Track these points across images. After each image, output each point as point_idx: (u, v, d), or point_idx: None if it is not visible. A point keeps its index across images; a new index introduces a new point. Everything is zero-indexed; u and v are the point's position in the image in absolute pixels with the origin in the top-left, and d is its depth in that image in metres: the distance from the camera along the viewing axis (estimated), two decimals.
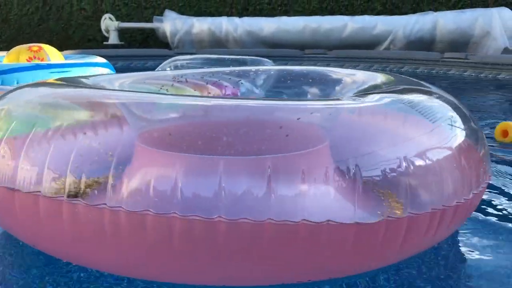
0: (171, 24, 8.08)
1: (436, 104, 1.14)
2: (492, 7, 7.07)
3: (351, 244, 0.89)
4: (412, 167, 0.92)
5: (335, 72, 1.63)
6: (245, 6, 9.03)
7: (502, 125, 2.41)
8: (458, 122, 1.11)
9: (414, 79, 1.45)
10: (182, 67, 1.90)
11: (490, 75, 5.72)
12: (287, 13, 8.54)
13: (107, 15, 8.59)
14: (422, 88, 1.27)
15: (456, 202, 0.98)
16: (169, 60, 2.06)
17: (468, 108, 1.27)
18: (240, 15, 8.58)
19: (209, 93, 1.58)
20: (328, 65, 6.95)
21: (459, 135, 1.07)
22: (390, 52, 7.07)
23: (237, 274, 0.92)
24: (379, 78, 1.44)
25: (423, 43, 6.95)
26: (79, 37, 9.52)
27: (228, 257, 0.87)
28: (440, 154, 0.99)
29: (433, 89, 1.30)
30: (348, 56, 7.01)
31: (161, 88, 1.43)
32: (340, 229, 0.86)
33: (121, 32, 8.79)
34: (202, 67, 2.03)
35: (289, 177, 0.85)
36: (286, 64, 5.21)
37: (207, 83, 1.58)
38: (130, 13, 9.39)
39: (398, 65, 6.65)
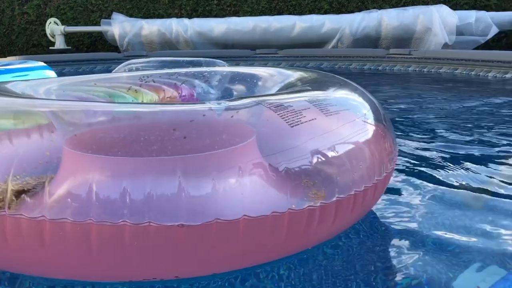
0: (119, 27, 7.96)
1: (329, 103, 1.19)
2: (431, 4, 7.41)
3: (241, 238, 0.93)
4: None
5: (262, 71, 1.69)
6: (195, 8, 9.01)
7: None
8: (362, 119, 1.19)
9: (342, 78, 1.52)
10: (138, 70, 1.91)
11: (432, 70, 6.02)
12: (236, 13, 8.61)
13: (52, 19, 8.34)
14: (333, 87, 1.34)
15: (365, 187, 1.08)
16: (124, 64, 2.07)
17: (381, 104, 1.38)
18: (190, 16, 8.56)
19: (166, 95, 1.61)
20: (279, 64, 7.07)
21: (365, 131, 1.16)
22: (338, 50, 7.27)
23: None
24: (296, 76, 1.51)
25: (369, 40, 7.20)
26: (23, 42, 9.19)
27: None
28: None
29: (349, 86, 1.37)
30: (298, 54, 7.15)
31: (129, 89, 1.46)
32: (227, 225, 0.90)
33: (68, 37, 8.57)
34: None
35: (141, 179, 0.88)
36: (237, 65, 5.27)
37: (181, 83, 1.62)
38: (76, 16, 9.16)
39: (346, 63, 6.85)
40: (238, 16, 8.26)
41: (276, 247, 1.02)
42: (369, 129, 1.18)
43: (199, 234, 0.88)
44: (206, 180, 0.90)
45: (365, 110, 1.24)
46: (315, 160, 1.00)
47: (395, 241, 1.31)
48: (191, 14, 8.88)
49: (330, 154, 1.03)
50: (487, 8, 7.35)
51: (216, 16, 8.50)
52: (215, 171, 0.91)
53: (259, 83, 1.58)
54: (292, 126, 1.03)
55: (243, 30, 7.57)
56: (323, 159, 1.01)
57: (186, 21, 7.94)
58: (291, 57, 7.15)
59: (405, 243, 1.28)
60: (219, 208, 0.89)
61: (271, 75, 1.58)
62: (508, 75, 5.28)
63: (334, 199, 1.01)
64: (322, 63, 6.93)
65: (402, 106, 3.77)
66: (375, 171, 1.12)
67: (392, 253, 1.24)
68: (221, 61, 1.90)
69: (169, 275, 0.98)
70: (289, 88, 1.40)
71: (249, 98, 1.09)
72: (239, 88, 1.62)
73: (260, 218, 0.91)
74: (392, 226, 1.39)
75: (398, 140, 2.50)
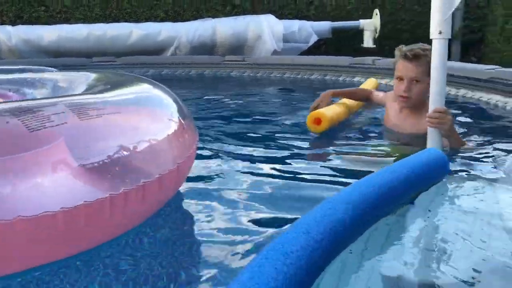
0: None
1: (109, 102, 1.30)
2: (260, 14, 8.00)
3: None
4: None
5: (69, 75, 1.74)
6: (18, 14, 8.31)
7: (314, 114, 2.48)
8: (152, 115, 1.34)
9: (146, 79, 1.66)
10: None
11: (264, 75, 6.52)
12: (68, 20, 8.18)
13: None
14: (123, 87, 1.46)
15: (169, 170, 1.24)
16: None
17: (184, 103, 1.57)
18: (14, 23, 7.87)
19: None
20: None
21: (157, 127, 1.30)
22: (177, 57, 7.40)
23: None
24: (100, 79, 1.60)
25: (206, 48, 7.46)
26: None
27: None
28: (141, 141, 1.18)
29: (146, 87, 1.51)
30: (137, 62, 7.09)
31: None
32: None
33: None
34: None
35: None
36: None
37: (11, 91, 1.56)
38: None
39: (186, 69, 7.01)
40: (70, 23, 7.86)
41: (54, 245, 1.08)
42: (157, 123, 1.31)
43: None
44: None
45: (154, 107, 1.38)
46: (49, 168, 1.04)
47: (193, 226, 1.49)
48: (15, 21, 8.17)
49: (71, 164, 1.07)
50: (307, 18, 8.20)
51: (45, 23, 7.95)
52: None
53: (67, 87, 1.60)
54: (31, 131, 1.05)
55: (77, 38, 7.23)
56: (63, 168, 1.05)
57: (9, 28, 7.28)
58: (130, 64, 7.05)
59: (202, 225, 1.47)
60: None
61: (79, 79, 1.62)
62: (327, 77, 6.01)
63: (121, 190, 1.09)
64: (162, 70, 6.99)
65: (233, 106, 4.06)
66: (158, 163, 1.25)
67: (189, 239, 1.41)
68: (51, 68, 1.87)
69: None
70: (88, 91, 1.47)
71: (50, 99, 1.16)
72: (44, 92, 1.63)
73: (33, 217, 0.97)
74: (195, 212, 1.58)
75: (226, 135, 2.73)
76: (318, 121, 2.47)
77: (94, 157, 1.09)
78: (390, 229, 1.39)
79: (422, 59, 2.36)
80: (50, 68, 1.88)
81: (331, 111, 2.63)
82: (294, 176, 1.96)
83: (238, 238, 1.37)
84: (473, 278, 1.13)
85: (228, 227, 1.44)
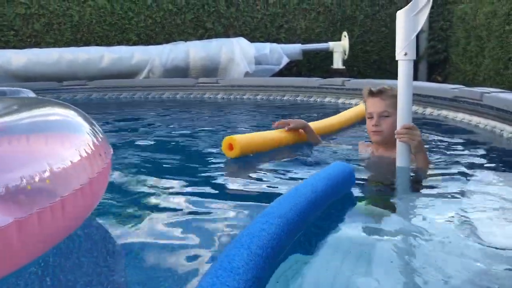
0: None
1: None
2: (231, 37, 8.13)
3: None
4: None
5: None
6: None
7: (228, 139, 2.44)
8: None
9: (57, 102, 1.67)
10: None
11: (238, 96, 6.60)
12: (38, 45, 8.11)
13: None
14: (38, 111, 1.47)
15: (81, 185, 1.26)
16: None
17: (95, 121, 1.60)
18: None
19: None
20: (89, 96, 6.89)
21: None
22: (150, 80, 7.41)
23: None
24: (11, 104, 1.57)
25: (179, 71, 7.51)
26: None
27: None
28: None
29: (53, 109, 1.53)
30: (110, 86, 7.06)
31: None
32: None
33: None
34: None
35: None
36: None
37: None
38: None
39: (159, 92, 7.02)
40: (41, 47, 7.79)
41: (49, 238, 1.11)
42: (64, 146, 1.32)
43: None
44: None
45: (59, 130, 1.39)
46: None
47: (114, 240, 1.54)
48: None
49: None
50: (278, 41, 8.37)
51: (14, 47, 7.86)
52: None
53: None
54: None
55: (47, 62, 7.16)
56: None
57: None
58: (102, 88, 7.02)
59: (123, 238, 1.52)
60: None
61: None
62: (299, 98, 6.12)
63: (27, 214, 1.07)
64: (135, 93, 6.99)
65: (199, 129, 4.10)
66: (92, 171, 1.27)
67: (107, 256, 1.45)
68: (27, 90, 1.87)
69: None
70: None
71: None
72: None
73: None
74: (115, 228, 1.62)
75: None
76: (231, 146, 2.42)
77: None
78: (363, 249, 1.44)
79: (386, 92, 2.41)
80: (26, 90, 1.88)
81: (248, 139, 2.54)
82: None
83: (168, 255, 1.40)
84: None
85: (155, 243, 1.47)
